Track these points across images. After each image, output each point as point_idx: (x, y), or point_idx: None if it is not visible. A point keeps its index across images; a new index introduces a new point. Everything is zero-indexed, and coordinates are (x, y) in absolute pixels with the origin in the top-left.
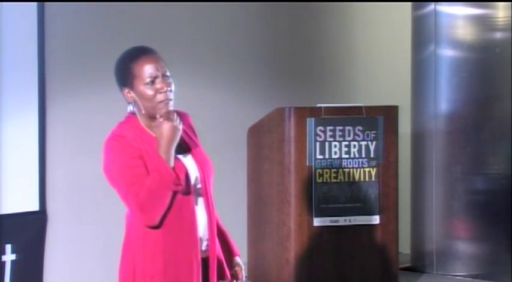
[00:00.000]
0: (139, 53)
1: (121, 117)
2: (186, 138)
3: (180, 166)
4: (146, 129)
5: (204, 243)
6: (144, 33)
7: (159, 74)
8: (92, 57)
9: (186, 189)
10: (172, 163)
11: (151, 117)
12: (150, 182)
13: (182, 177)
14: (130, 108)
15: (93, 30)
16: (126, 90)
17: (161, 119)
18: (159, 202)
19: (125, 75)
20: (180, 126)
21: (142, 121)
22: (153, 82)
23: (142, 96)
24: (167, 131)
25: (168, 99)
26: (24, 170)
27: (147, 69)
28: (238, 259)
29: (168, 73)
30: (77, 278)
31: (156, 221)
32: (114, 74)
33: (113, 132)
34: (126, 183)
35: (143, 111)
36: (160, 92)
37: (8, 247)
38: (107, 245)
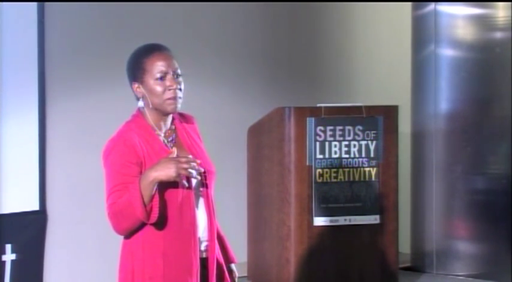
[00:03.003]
0: (152, 49)
1: (121, 117)
2: (191, 142)
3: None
4: (152, 128)
5: (204, 244)
6: (144, 33)
7: (170, 71)
8: (92, 57)
9: (187, 192)
10: (149, 198)
11: (160, 113)
12: (124, 201)
13: (157, 208)
14: (140, 103)
15: (93, 30)
16: (136, 85)
17: (183, 161)
18: (125, 223)
19: (136, 70)
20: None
21: (150, 116)
22: (162, 78)
23: (151, 91)
24: (166, 174)
25: (176, 97)
26: (24, 169)
27: (158, 65)
28: (233, 266)
29: (179, 71)
30: (77, 278)
31: (122, 234)
32: (126, 69)
33: (119, 134)
34: (112, 187)
35: (151, 107)
36: (169, 89)
37: (8, 247)
38: (106, 245)
